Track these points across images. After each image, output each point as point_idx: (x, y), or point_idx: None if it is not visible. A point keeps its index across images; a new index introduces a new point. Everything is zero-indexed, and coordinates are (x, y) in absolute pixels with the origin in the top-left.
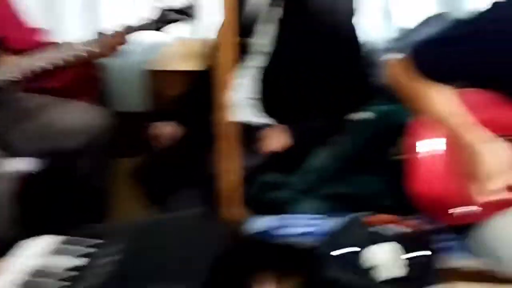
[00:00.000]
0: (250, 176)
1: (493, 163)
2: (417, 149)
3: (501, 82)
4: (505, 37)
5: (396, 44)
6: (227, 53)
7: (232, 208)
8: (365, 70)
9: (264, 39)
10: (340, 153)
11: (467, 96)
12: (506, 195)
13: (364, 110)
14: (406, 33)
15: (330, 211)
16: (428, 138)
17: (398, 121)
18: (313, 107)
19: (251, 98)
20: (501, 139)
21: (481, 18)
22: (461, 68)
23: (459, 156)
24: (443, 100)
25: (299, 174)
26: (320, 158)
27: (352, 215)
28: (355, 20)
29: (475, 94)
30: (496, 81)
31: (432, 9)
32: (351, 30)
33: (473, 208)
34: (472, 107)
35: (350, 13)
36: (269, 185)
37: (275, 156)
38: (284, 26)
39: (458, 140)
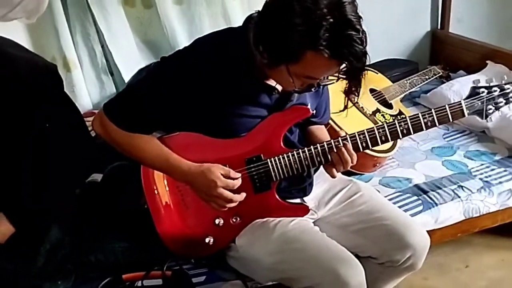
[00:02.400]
0: None
1: (202, 189)
2: (154, 195)
3: (191, 125)
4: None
5: None
6: None
7: None
8: (85, 132)
9: None
10: (73, 223)
11: (176, 140)
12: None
13: (96, 171)
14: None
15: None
16: (156, 183)
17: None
18: (24, 187)
19: None
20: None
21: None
22: (151, 117)
23: (184, 191)
24: (145, 147)
25: (36, 258)
26: (53, 235)
27: (107, 279)
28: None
29: (183, 137)
30: (183, 125)
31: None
32: (58, 96)
33: (211, 238)
34: (183, 149)
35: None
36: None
37: (5, 246)
38: None
39: (173, 178)
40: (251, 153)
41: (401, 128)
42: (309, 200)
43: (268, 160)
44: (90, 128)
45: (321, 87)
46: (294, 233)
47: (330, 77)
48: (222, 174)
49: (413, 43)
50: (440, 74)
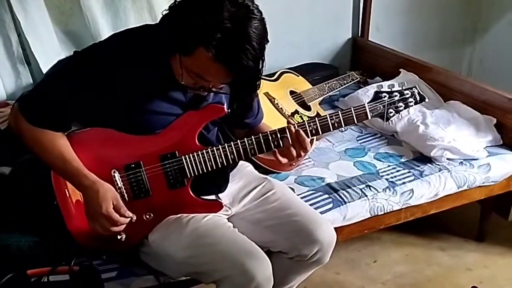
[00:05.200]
0: None
1: (91, 207)
2: (65, 191)
3: (103, 120)
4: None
5: None
6: None
7: None
8: None
9: None
10: None
11: (88, 135)
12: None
13: (5, 164)
14: None
15: None
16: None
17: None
18: None
19: None
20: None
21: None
22: (64, 113)
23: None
24: (47, 146)
25: None
26: None
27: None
28: None
29: (96, 132)
30: (100, 120)
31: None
32: None
33: (123, 234)
34: (96, 144)
35: None
36: None
37: None
38: None
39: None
40: (166, 149)
41: (310, 129)
42: (224, 196)
43: (183, 157)
44: (3, 119)
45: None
46: (206, 228)
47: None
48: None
49: (334, 49)
50: (358, 80)
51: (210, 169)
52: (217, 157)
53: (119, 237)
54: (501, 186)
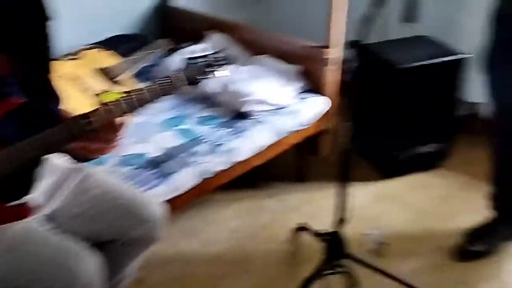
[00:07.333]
0: None
1: None
2: None
3: None
4: None
5: None
6: None
7: None
8: None
9: None
10: None
11: None
12: None
13: None
14: None
15: None
16: None
17: None
18: None
19: None
20: None
21: None
22: None
23: None
24: None
25: None
26: None
27: None
28: None
29: None
30: None
31: None
32: None
33: None
34: None
35: None
36: None
37: None
38: None
39: None
40: None
41: (117, 110)
42: (35, 197)
43: None
44: None
45: None
46: (20, 239)
47: None
48: None
49: (139, 18)
50: (169, 47)
51: (9, 171)
52: (14, 158)
53: None
54: (313, 128)
